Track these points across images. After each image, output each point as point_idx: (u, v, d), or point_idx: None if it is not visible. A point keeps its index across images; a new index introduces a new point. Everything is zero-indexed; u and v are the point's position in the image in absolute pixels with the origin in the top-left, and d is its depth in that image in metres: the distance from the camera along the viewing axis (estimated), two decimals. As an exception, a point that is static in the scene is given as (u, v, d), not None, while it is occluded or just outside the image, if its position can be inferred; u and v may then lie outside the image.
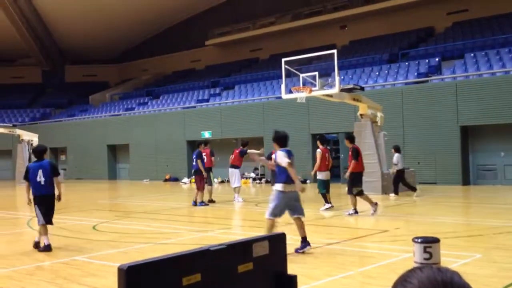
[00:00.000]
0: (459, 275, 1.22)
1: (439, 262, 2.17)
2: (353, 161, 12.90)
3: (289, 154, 8.30)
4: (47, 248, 9.18)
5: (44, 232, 9.29)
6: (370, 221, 12.41)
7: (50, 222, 9.43)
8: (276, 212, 8.23)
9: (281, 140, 8.51)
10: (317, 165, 14.02)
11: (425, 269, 1.23)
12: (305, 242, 8.31)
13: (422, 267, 1.24)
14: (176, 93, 34.56)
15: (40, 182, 9.33)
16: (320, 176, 14.15)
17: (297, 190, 8.29)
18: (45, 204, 9.40)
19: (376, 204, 12.78)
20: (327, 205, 14.05)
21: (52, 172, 9.41)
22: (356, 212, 12.79)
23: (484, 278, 6.42)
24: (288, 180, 8.18)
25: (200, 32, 39.08)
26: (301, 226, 8.33)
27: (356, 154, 13.01)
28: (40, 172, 9.35)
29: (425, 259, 2.18)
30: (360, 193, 12.83)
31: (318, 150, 14.13)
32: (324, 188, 14.08)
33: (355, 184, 12.82)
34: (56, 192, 9.60)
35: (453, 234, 9.60)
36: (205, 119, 28.44)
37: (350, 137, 13.68)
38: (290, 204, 8.27)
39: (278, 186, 8.26)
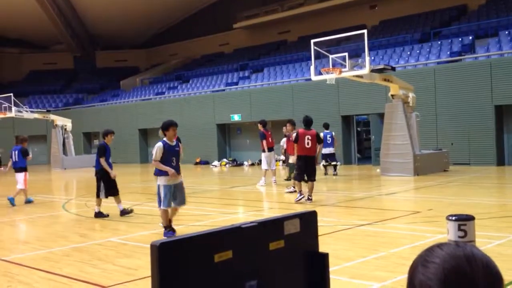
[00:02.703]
0: (477, 248, 1.20)
1: (474, 240, 2.12)
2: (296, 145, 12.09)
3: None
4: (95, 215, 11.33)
5: (97, 202, 11.50)
6: (402, 203, 12.31)
7: (98, 195, 11.44)
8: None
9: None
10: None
11: (444, 246, 1.19)
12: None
13: (439, 244, 1.20)
14: (205, 77, 34.64)
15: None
16: (292, 160, 14.19)
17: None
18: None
19: (302, 195, 12.12)
20: (291, 189, 13.83)
21: (97, 153, 11.52)
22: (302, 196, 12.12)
23: (520, 258, 6.30)
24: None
25: (228, 15, 38.97)
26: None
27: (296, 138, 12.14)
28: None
29: (459, 237, 2.13)
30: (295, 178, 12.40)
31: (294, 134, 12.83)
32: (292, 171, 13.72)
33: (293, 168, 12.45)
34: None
35: (488, 215, 9.44)
36: (235, 102, 28.47)
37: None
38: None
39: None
